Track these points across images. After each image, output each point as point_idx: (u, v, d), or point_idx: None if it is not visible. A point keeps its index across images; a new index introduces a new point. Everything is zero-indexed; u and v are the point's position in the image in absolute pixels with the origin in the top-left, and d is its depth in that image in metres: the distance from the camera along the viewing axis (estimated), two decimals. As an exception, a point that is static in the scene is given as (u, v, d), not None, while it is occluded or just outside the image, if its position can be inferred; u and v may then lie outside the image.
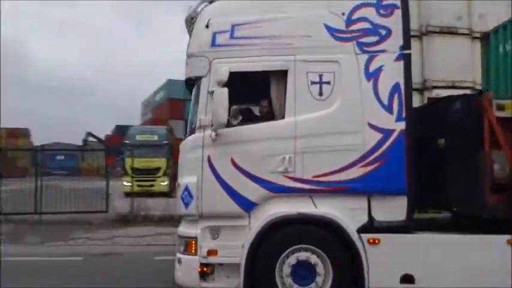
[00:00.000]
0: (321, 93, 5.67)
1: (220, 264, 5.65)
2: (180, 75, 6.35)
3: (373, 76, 5.65)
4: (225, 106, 5.43)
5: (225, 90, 5.44)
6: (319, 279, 5.48)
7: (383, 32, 5.70)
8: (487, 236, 5.52)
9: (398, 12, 5.72)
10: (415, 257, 5.50)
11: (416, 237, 5.62)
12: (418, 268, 5.47)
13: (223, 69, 5.53)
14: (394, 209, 5.56)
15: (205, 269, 5.57)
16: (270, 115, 5.86)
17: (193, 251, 5.63)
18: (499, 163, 5.61)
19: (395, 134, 5.55)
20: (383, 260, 5.46)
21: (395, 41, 5.69)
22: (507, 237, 5.42)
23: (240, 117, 6.13)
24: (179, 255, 5.79)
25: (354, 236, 5.48)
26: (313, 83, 5.68)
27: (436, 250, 5.50)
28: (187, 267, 5.65)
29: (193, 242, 5.64)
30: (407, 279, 5.45)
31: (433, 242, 5.59)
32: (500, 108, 5.65)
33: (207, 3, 6.06)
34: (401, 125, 5.57)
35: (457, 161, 5.70)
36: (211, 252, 5.60)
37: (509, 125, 5.63)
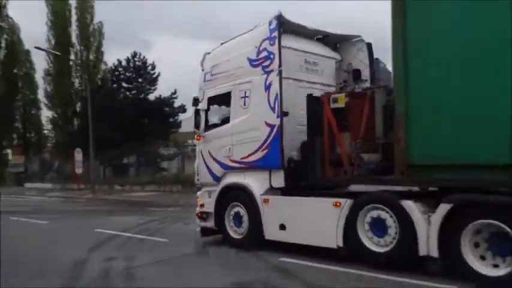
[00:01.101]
0: (244, 104, 8.69)
1: (212, 212, 9.46)
2: None
3: (267, 89, 8.24)
4: (193, 119, 9.32)
5: (194, 109, 9.33)
6: (244, 224, 8.59)
7: (272, 57, 8.18)
8: (323, 198, 7.30)
9: (277, 41, 8.08)
10: (285, 212, 7.86)
11: (286, 198, 7.90)
12: (286, 220, 7.82)
13: (193, 97, 9.41)
14: (280, 179, 8.03)
15: (199, 215, 9.53)
16: (231, 121, 9.23)
17: (198, 205, 9.70)
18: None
19: (276, 128, 8.02)
20: (270, 213, 8.08)
21: (277, 62, 8.08)
22: (333, 200, 7.08)
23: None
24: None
25: (258, 197, 8.30)
26: (241, 97, 8.74)
27: (295, 208, 7.70)
28: (196, 214, 9.75)
29: (198, 199, 9.71)
30: (282, 227, 7.88)
31: (294, 202, 7.76)
32: (335, 101, 7.23)
33: (207, 53, 9.90)
34: (278, 121, 7.98)
35: (308, 144, 7.62)
36: (202, 205, 9.53)
37: (344, 114, 7.17)
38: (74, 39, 40.66)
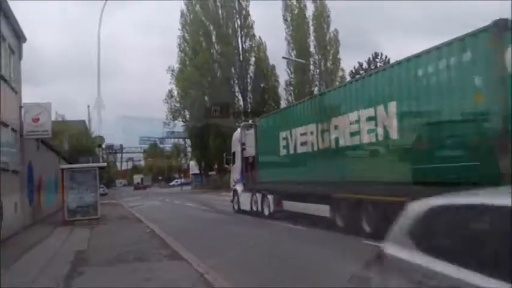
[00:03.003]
0: (238, 157, 22.64)
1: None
2: None
3: (241, 151, 22.10)
4: (225, 161, 23.81)
5: (225, 158, 23.89)
6: (236, 203, 22.49)
7: (241, 140, 22.01)
8: (246, 192, 20.82)
9: (242, 135, 21.88)
10: (242, 198, 21.55)
11: (243, 193, 21.55)
12: (242, 201, 21.48)
13: (225, 157, 23.96)
14: (243, 186, 21.82)
15: (231, 200, 23.73)
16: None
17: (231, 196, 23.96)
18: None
19: (241, 166, 21.85)
20: (241, 198, 21.85)
21: (241, 142, 21.89)
22: (249, 193, 20.61)
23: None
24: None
25: (239, 192, 22.13)
26: (238, 153, 22.71)
27: (243, 196, 21.36)
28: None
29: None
30: (242, 203, 21.55)
31: (243, 193, 21.39)
32: (249, 159, 20.84)
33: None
34: (242, 164, 21.77)
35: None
36: (231, 196, 23.73)
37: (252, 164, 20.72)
38: (311, 49, 42.42)
